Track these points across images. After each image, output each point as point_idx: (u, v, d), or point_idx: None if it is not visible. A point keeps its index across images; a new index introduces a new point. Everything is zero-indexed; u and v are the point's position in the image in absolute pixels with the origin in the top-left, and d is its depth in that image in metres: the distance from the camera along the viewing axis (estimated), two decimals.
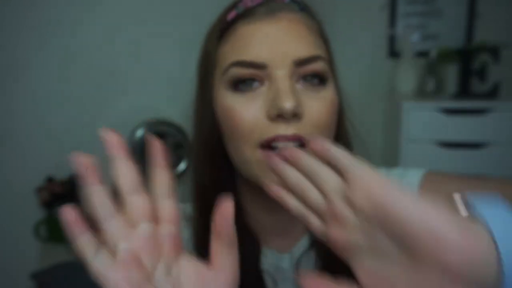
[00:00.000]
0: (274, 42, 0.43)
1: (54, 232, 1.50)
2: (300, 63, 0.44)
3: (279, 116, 0.42)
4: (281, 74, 0.43)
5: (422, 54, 1.87)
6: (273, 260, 0.53)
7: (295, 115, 0.42)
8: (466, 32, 1.88)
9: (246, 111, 0.44)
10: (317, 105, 0.44)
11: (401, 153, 1.61)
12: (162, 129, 1.61)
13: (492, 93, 1.62)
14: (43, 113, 1.52)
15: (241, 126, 0.44)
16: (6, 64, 1.46)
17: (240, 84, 0.44)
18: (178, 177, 1.67)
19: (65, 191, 1.50)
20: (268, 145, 0.43)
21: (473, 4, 1.85)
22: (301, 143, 0.43)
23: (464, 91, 1.68)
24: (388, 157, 1.96)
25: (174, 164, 1.66)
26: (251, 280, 0.50)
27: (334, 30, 1.98)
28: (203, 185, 0.51)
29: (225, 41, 0.46)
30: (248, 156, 0.45)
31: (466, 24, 1.88)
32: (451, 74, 1.81)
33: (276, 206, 0.50)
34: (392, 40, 1.98)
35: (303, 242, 0.54)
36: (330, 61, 0.48)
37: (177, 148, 1.66)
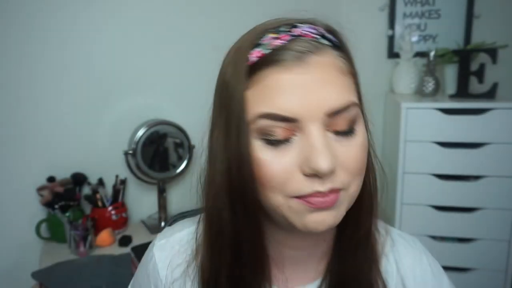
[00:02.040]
0: (305, 93, 0.41)
1: (55, 232, 1.51)
2: (333, 113, 0.42)
3: (315, 175, 0.41)
4: (314, 128, 0.41)
5: (421, 54, 1.88)
6: None
7: (330, 173, 0.42)
8: (465, 33, 1.89)
9: (278, 165, 0.42)
10: (350, 152, 0.43)
11: (400, 152, 1.62)
12: (162, 129, 1.61)
13: (490, 93, 1.63)
14: (44, 113, 1.53)
15: (273, 179, 0.43)
16: (8, 64, 1.46)
17: (270, 136, 0.43)
18: (178, 177, 1.68)
19: (66, 190, 1.51)
20: (304, 197, 0.43)
21: (471, 5, 1.86)
22: (335, 192, 0.43)
23: (462, 92, 1.69)
24: (387, 157, 1.97)
25: (174, 164, 1.67)
26: None
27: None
28: (221, 218, 0.48)
29: (251, 83, 0.43)
30: (281, 204, 0.44)
31: (464, 25, 1.89)
32: (449, 74, 1.82)
33: (296, 243, 0.53)
34: (391, 41, 1.98)
35: (315, 282, 0.54)
36: (359, 97, 0.47)
37: (177, 148, 1.67)
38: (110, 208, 1.55)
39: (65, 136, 1.57)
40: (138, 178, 1.64)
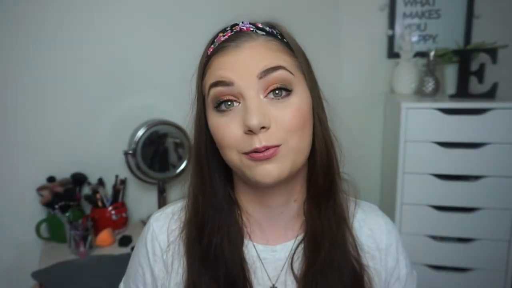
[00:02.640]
0: (238, 65, 0.52)
1: (55, 232, 1.51)
2: (263, 74, 0.52)
3: (250, 131, 0.51)
4: (250, 94, 0.52)
5: (421, 54, 1.88)
6: (257, 251, 0.61)
7: (263, 128, 0.51)
8: (465, 33, 1.89)
9: (227, 129, 0.53)
10: (284, 112, 0.53)
11: (400, 152, 1.62)
12: (162, 129, 1.62)
13: (490, 93, 1.62)
14: (44, 113, 1.53)
15: (226, 140, 0.54)
16: (8, 63, 1.46)
17: (222, 105, 0.54)
18: (178, 177, 1.68)
19: (66, 190, 1.51)
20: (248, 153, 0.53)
21: (471, 5, 1.86)
22: (273, 147, 0.52)
23: (462, 91, 1.68)
24: (387, 157, 1.97)
25: (174, 164, 1.67)
26: (233, 268, 0.58)
27: (335, 30, 2.00)
28: (201, 183, 0.60)
29: (205, 73, 0.56)
30: (236, 159, 0.54)
31: (464, 25, 1.88)
32: (449, 74, 1.82)
33: (265, 200, 0.61)
34: (391, 41, 1.98)
35: (291, 241, 0.62)
36: (305, 71, 0.57)
37: (177, 148, 1.67)
38: (110, 208, 1.55)
39: (65, 136, 1.57)
40: (138, 178, 1.64)
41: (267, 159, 0.52)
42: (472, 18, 1.87)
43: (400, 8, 1.95)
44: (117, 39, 1.61)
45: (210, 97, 0.54)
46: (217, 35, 0.58)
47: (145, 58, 1.65)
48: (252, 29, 0.56)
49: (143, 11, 1.64)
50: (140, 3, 1.63)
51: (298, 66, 0.56)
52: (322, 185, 0.59)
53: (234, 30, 0.56)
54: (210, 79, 0.54)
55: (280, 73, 0.52)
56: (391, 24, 1.97)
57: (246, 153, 0.52)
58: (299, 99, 0.54)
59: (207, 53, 0.57)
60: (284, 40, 0.57)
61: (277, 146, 0.52)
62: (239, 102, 0.53)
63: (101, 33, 1.58)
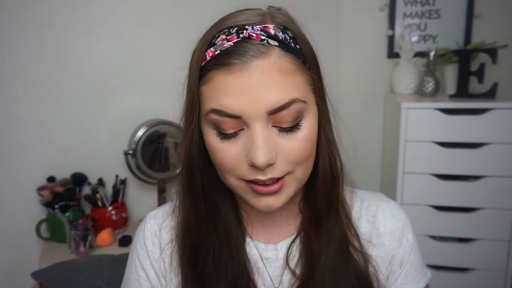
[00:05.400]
0: (246, 94, 0.45)
1: (55, 232, 1.51)
2: (274, 112, 0.46)
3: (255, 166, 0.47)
4: (257, 125, 0.46)
5: (421, 54, 1.88)
6: (259, 250, 0.60)
7: (269, 165, 0.47)
8: (465, 33, 1.89)
9: (228, 154, 0.49)
10: (292, 145, 0.48)
11: (400, 152, 1.62)
12: (162, 129, 1.62)
13: (490, 93, 1.62)
14: (44, 113, 1.53)
15: (225, 166, 0.50)
16: (6, 64, 1.46)
17: (223, 132, 0.48)
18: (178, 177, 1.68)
19: (66, 190, 1.51)
20: (249, 182, 0.50)
21: (471, 5, 1.86)
22: (278, 181, 0.49)
23: (462, 91, 1.68)
24: (387, 157, 1.97)
25: (174, 164, 1.66)
26: (237, 267, 0.56)
27: (335, 30, 2.00)
28: (196, 185, 0.56)
29: (203, 81, 0.49)
30: (233, 183, 0.51)
31: (464, 25, 1.89)
32: (449, 74, 1.82)
33: None
34: (391, 41, 1.98)
35: (290, 238, 0.60)
36: (315, 86, 0.51)
37: (177, 148, 1.67)
38: (110, 208, 1.55)
39: (65, 136, 1.57)
40: (138, 178, 1.64)
41: (270, 194, 0.49)
42: (472, 18, 1.87)
43: (400, 8, 1.95)
44: (117, 38, 1.61)
45: (210, 120, 0.48)
46: (218, 35, 0.49)
47: (145, 58, 1.65)
48: (263, 37, 0.47)
49: (143, 10, 1.64)
50: (140, 2, 1.63)
51: (310, 81, 0.50)
52: (322, 204, 0.56)
53: (241, 35, 0.47)
54: (211, 99, 0.47)
55: (293, 108, 0.47)
56: (391, 24, 1.97)
57: (247, 181, 0.49)
58: (308, 126, 0.49)
59: (205, 56, 0.49)
60: (297, 46, 0.49)
61: (282, 177, 0.49)
62: (244, 129, 0.48)
63: (101, 32, 1.58)
